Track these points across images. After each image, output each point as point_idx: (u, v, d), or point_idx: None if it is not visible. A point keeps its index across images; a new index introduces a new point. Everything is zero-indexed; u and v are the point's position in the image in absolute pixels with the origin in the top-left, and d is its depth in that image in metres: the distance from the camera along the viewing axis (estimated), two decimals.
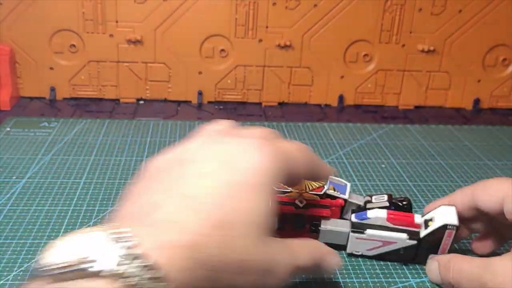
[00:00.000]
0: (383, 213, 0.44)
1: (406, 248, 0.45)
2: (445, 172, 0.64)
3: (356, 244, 0.46)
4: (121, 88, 0.82)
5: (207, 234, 0.29)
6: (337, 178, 0.50)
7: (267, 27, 0.80)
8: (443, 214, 0.43)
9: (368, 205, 0.47)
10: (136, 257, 0.26)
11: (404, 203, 0.47)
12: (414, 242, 0.44)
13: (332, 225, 0.46)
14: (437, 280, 0.43)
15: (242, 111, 0.82)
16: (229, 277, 0.30)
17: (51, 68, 0.81)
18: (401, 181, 0.61)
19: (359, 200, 0.48)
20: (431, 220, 0.44)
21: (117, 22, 0.79)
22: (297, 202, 0.45)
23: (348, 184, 0.49)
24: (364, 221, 0.45)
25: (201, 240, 0.29)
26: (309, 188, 0.47)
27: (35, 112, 0.77)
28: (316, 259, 0.37)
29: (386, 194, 0.49)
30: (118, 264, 0.26)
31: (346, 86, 0.85)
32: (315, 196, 0.46)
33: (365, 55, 0.83)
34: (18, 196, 0.54)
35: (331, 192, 0.48)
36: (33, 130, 0.70)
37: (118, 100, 0.83)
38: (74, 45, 0.79)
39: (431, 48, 0.82)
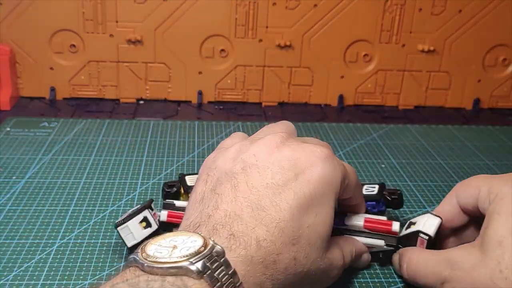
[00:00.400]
0: (360, 220, 0.43)
1: (385, 252, 0.45)
2: (445, 172, 0.64)
3: None
4: (121, 88, 0.82)
5: (280, 251, 0.31)
6: None
7: (267, 27, 0.80)
8: (424, 222, 0.42)
9: None
10: (221, 264, 0.28)
11: (394, 197, 0.47)
12: (392, 248, 0.44)
13: None
14: (398, 270, 0.43)
15: (242, 111, 0.82)
16: (294, 285, 0.32)
17: (51, 68, 0.81)
18: (401, 181, 0.61)
19: None
20: (414, 224, 0.44)
21: (117, 22, 0.79)
22: None
23: None
24: (342, 227, 0.44)
25: (275, 258, 0.31)
26: None
27: (35, 112, 0.77)
28: (356, 255, 0.41)
29: (378, 184, 0.48)
30: (205, 267, 0.27)
31: (346, 86, 0.85)
32: None
33: (365, 55, 0.83)
34: (18, 196, 0.54)
35: None
36: (33, 130, 0.70)
37: (118, 100, 0.83)
38: (74, 45, 0.79)
39: (431, 48, 0.82)
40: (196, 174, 0.45)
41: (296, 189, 0.33)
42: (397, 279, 0.44)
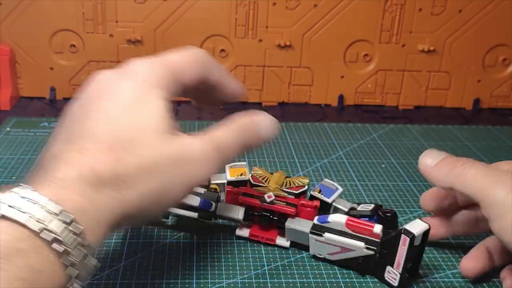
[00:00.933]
0: (343, 218, 0.43)
1: (365, 258, 0.43)
2: None
3: (316, 246, 0.45)
4: None
5: (104, 159, 0.32)
6: (331, 182, 0.50)
7: (267, 27, 0.80)
8: (411, 224, 0.42)
9: (351, 212, 0.47)
10: (35, 203, 0.28)
11: (388, 214, 0.46)
12: (372, 252, 0.42)
13: (296, 224, 0.46)
14: (432, 162, 0.43)
15: (242, 111, 0.82)
16: (147, 181, 0.33)
17: (51, 68, 0.81)
18: (401, 181, 0.61)
19: (345, 206, 0.48)
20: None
21: (117, 22, 0.79)
22: (265, 196, 0.46)
23: (339, 190, 0.49)
24: (324, 224, 0.44)
25: (99, 167, 0.31)
26: (288, 185, 0.49)
27: (35, 112, 0.77)
28: (245, 128, 0.40)
29: (374, 204, 0.48)
30: (10, 205, 0.27)
31: (346, 86, 0.85)
32: (284, 193, 0.47)
33: (365, 55, 0.83)
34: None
35: (314, 194, 0.49)
36: (33, 130, 0.70)
37: None
38: (74, 45, 0.79)
39: (431, 48, 0.82)
40: None
41: (111, 103, 0.35)
42: None
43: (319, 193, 0.48)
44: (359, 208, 0.48)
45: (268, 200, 0.46)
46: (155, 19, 0.79)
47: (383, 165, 0.65)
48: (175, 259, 0.46)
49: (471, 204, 0.45)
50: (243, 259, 0.46)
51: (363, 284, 0.44)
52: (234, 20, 0.80)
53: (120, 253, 0.47)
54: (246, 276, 0.44)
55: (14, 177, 0.58)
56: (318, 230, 0.44)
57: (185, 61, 0.38)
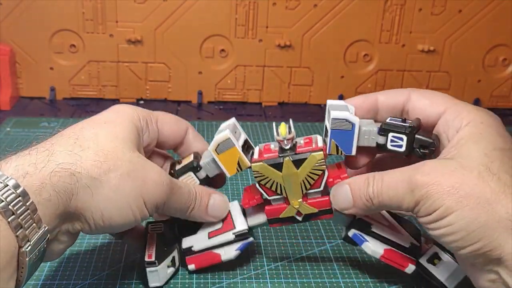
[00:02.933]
0: (380, 249, 0.42)
1: None
2: None
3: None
4: (121, 88, 0.82)
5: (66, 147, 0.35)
6: (341, 117, 0.40)
7: (267, 27, 0.80)
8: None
9: (381, 148, 0.40)
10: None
11: (425, 151, 0.39)
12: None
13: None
14: (347, 205, 0.39)
15: (242, 111, 0.82)
16: (95, 169, 0.35)
17: (51, 68, 0.81)
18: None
19: (371, 141, 0.40)
20: None
21: (117, 22, 0.79)
22: (296, 217, 0.42)
23: (356, 124, 0.40)
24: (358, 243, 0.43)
25: (45, 151, 0.34)
26: (308, 184, 0.41)
27: (35, 112, 0.77)
28: (200, 195, 0.42)
29: (404, 132, 0.39)
30: None
31: (346, 86, 0.85)
32: (311, 208, 0.41)
33: (365, 55, 0.83)
34: None
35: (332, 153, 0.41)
36: (33, 130, 0.70)
37: (118, 100, 0.83)
38: (74, 45, 0.79)
39: (431, 48, 0.82)
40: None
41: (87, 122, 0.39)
42: (397, 279, 0.45)
43: (337, 151, 0.41)
44: (389, 146, 0.40)
45: (300, 219, 0.42)
46: (155, 19, 0.79)
47: None
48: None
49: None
50: (243, 259, 0.46)
51: (363, 284, 0.44)
52: (234, 20, 0.80)
53: (120, 253, 0.47)
54: (246, 276, 0.44)
55: None
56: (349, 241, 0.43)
57: (165, 116, 0.44)
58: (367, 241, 0.42)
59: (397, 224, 0.43)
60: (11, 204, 0.30)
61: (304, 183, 0.41)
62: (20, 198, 0.31)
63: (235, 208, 0.45)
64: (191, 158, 0.44)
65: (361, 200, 0.38)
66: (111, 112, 0.40)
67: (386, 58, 0.83)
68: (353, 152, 0.40)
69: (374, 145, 0.40)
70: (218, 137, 0.41)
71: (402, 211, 0.37)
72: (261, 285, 0.43)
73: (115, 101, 0.83)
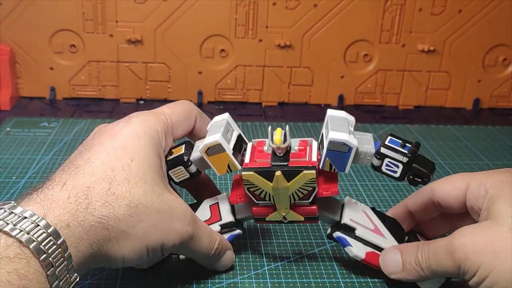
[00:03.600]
0: (362, 253, 0.43)
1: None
2: (445, 172, 0.64)
3: None
4: (121, 88, 0.82)
5: (98, 187, 0.35)
6: (339, 140, 0.39)
7: (267, 27, 0.80)
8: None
9: (375, 169, 0.41)
10: (27, 217, 0.31)
11: (418, 180, 0.41)
12: None
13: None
14: (395, 270, 0.41)
15: (242, 111, 0.82)
16: (126, 221, 0.35)
17: (51, 68, 0.81)
18: (401, 182, 0.61)
19: (366, 162, 0.41)
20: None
21: (117, 22, 0.79)
22: (282, 220, 0.43)
23: (353, 149, 0.39)
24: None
25: (92, 192, 0.34)
26: (297, 197, 0.41)
27: (35, 112, 0.77)
28: (218, 244, 0.42)
29: (401, 161, 0.40)
30: (8, 222, 0.30)
31: (346, 86, 0.85)
32: (298, 215, 0.42)
33: (365, 55, 0.83)
34: (18, 196, 0.54)
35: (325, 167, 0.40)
36: (33, 130, 0.70)
37: (118, 100, 0.83)
38: (74, 45, 0.79)
39: (431, 48, 0.82)
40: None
41: (106, 146, 0.38)
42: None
43: (330, 168, 0.40)
44: (383, 169, 0.40)
45: (286, 221, 0.43)
46: (155, 19, 0.79)
47: None
48: (175, 259, 0.46)
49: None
50: (243, 259, 0.46)
51: (363, 284, 0.44)
52: (234, 20, 0.80)
53: None
54: (246, 276, 0.44)
55: (14, 177, 0.58)
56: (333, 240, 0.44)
57: (178, 116, 0.43)
58: (350, 245, 0.43)
59: (382, 226, 0.44)
60: (52, 256, 0.30)
61: (293, 195, 0.41)
62: (60, 249, 0.31)
63: (223, 200, 0.45)
64: (182, 150, 0.43)
65: (410, 265, 0.40)
66: (133, 138, 0.39)
67: (386, 58, 0.83)
68: (347, 171, 0.40)
69: (369, 165, 0.41)
70: (209, 141, 0.40)
71: (454, 278, 0.39)
72: (261, 285, 0.43)
73: (115, 101, 0.83)
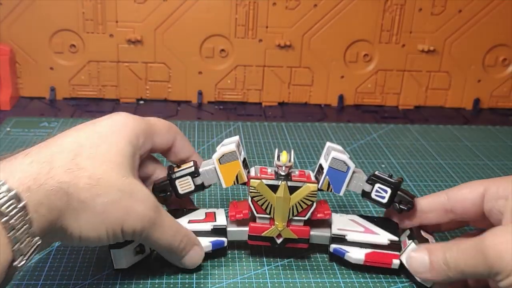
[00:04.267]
0: (361, 255, 0.44)
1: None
2: (445, 172, 0.64)
3: None
4: (121, 88, 0.82)
5: (63, 160, 0.36)
6: (341, 158, 0.43)
7: (267, 27, 0.80)
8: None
9: (365, 196, 0.45)
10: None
11: (403, 207, 0.45)
12: None
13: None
14: (423, 270, 0.40)
15: (242, 111, 0.82)
16: (86, 192, 0.36)
17: (51, 68, 0.81)
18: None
19: (357, 187, 0.45)
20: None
21: (117, 22, 0.79)
22: (275, 239, 0.45)
23: (350, 169, 0.44)
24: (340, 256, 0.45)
25: (46, 164, 0.35)
26: (296, 211, 0.44)
27: (35, 112, 0.77)
28: (183, 237, 0.42)
29: (390, 187, 0.44)
30: None
31: (346, 86, 0.85)
32: (293, 234, 0.44)
33: (365, 55, 0.83)
34: None
35: (322, 188, 0.44)
36: (33, 130, 0.70)
37: (118, 100, 0.83)
38: (74, 45, 0.79)
39: (431, 48, 0.82)
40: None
41: (87, 131, 0.40)
42: (397, 279, 0.45)
43: (328, 188, 0.44)
44: (373, 195, 0.45)
45: (279, 241, 0.45)
46: (155, 19, 0.79)
47: (383, 165, 0.65)
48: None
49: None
50: (243, 259, 0.46)
51: (363, 284, 0.44)
52: (234, 20, 0.80)
53: None
54: (246, 276, 0.44)
55: None
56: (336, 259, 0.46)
57: (161, 127, 0.45)
58: (347, 251, 0.45)
59: (372, 225, 0.46)
60: (14, 219, 0.31)
61: (293, 209, 0.44)
62: (21, 212, 0.31)
63: (220, 211, 0.47)
64: (190, 164, 0.45)
65: (438, 265, 0.39)
66: (111, 127, 0.41)
67: (386, 58, 0.83)
68: (341, 193, 0.44)
69: (360, 191, 0.45)
70: (225, 148, 0.44)
71: (483, 277, 0.38)
72: (261, 285, 0.43)
73: (115, 101, 0.83)
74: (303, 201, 0.43)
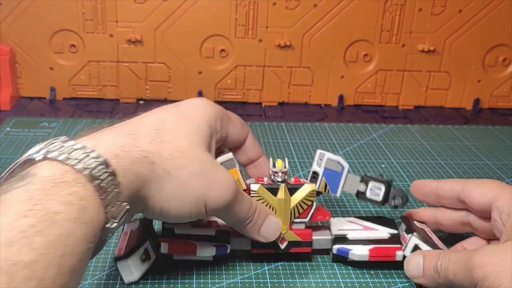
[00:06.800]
0: (365, 251, 0.45)
1: None
2: (445, 172, 0.64)
3: None
4: (121, 88, 0.82)
5: (147, 133, 0.38)
6: (335, 159, 0.46)
7: (267, 27, 0.80)
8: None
9: (360, 196, 0.46)
10: (78, 149, 0.32)
11: (396, 205, 0.46)
12: None
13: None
14: (416, 274, 0.42)
15: (242, 111, 0.82)
16: (170, 162, 0.37)
17: (51, 68, 0.81)
18: (401, 181, 0.61)
19: (352, 188, 0.46)
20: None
21: (117, 22, 0.79)
22: (278, 243, 0.44)
23: (345, 170, 0.46)
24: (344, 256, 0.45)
25: (132, 136, 0.37)
26: (296, 213, 0.44)
27: (35, 112, 0.77)
28: (255, 209, 0.42)
29: (384, 184, 0.46)
30: (62, 153, 0.32)
31: (346, 86, 0.85)
32: (295, 236, 0.45)
33: (365, 55, 0.83)
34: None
35: (320, 190, 0.46)
36: (33, 130, 0.70)
37: (118, 100, 0.83)
38: (74, 45, 0.79)
39: (431, 48, 0.82)
40: None
41: (171, 111, 0.42)
42: (397, 279, 0.45)
43: (324, 189, 0.46)
44: (368, 194, 0.46)
45: (283, 246, 0.45)
46: (155, 19, 0.79)
47: (383, 165, 0.65)
48: (175, 259, 0.46)
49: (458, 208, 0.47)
50: (243, 259, 0.46)
51: (363, 285, 0.44)
52: (234, 20, 0.80)
53: None
54: (246, 276, 0.44)
55: None
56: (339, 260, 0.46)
57: (236, 119, 0.47)
58: (351, 249, 0.45)
59: (370, 223, 0.47)
60: (104, 182, 0.32)
61: (294, 210, 0.44)
62: (111, 177, 0.32)
63: None
64: None
65: (429, 272, 0.40)
66: (192, 108, 0.42)
67: (386, 58, 0.83)
68: (338, 194, 0.46)
69: (355, 192, 0.46)
70: (222, 156, 0.43)
71: None
72: (261, 285, 0.43)
73: (115, 101, 0.83)
74: (303, 202, 0.44)
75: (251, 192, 0.43)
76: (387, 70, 0.84)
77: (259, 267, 0.46)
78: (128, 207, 0.34)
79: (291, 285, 0.44)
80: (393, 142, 0.72)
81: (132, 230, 0.44)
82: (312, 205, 0.44)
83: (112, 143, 0.35)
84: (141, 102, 0.83)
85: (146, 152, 0.36)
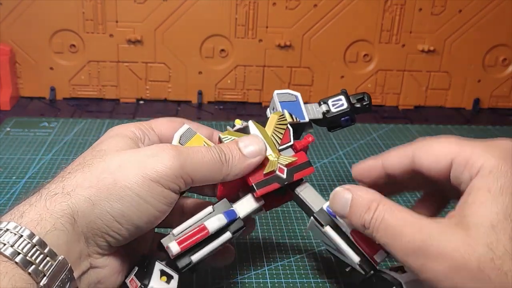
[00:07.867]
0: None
1: (352, 270, 0.39)
2: None
3: (315, 230, 0.41)
4: (121, 88, 0.82)
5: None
6: (284, 91, 0.46)
7: (267, 27, 0.80)
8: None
9: (328, 115, 0.48)
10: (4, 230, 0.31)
11: (365, 104, 0.48)
12: (362, 272, 0.38)
13: (306, 195, 0.41)
14: (341, 213, 0.36)
15: (242, 111, 0.82)
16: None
17: (51, 68, 0.81)
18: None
19: (317, 113, 0.48)
20: None
21: (117, 22, 0.79)
22: (278, 174, 0.40)
23: (298, 95, 0.46)
24: (331, 217, 0.39)
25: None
26: (276, 138, 0.42)
27: (35, 112, 0.77)
28: (227, 149, 0.39)
29: (339, 94, 0.48)
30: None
31: (346, 86, 0.84)
32: (289, 158, 0.41)
33: (365, 55, 0.83)
34: (18, 196, 0.54)
35: (291, 121, 0.44)
36: (33, 130, 0.70)
37: (118, 100, 0.83)
38: (74, 45, 0.79)
39: (431, 48, 0.82)
40: None
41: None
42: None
43: (292, 118, 0.44)
44: (333, 109, 0.48)
45: (285, 176, 0.40)
46: (155, 19, 0.79)
47: None
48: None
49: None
50: (243, 259, 0.46)
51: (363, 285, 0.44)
52: (234, 20, 0.80)
53: None
54: (246, 276, 0.44)
55: (14, 177, 0.58)
56: (322, 219, 0.39)
57: (159, 120, 0.43)
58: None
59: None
60: (19, 248, 0.30)
61: (274, 138, 0.42)
62: (48, 258, 0.31)
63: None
64: None
65: (356, 219, 0.35)
66: (107, 137, 0.40)
67: (386, 58, 0.83)
68: (306, 119, 0.46)
69: (321, 116, 0.48)
70: (177, 131, 0.41)
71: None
72: (261, 285, 0.43)
73: (115, 101, 0.83)
74: (277, 128, 0.42)
75: (222, 138, 0.40)
76: (387, 70, 0.84)
77: (259, 267, 0.46)
78: (61, 257, 0.32)
79: (291, 285, 0.44)
80: (393, 142, 0.72)
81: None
82: (288, 128, 0.42)
83: (38, 214, 0.33)
84: (141, 102, 0.83)
85: (54, 189, 0.34)
